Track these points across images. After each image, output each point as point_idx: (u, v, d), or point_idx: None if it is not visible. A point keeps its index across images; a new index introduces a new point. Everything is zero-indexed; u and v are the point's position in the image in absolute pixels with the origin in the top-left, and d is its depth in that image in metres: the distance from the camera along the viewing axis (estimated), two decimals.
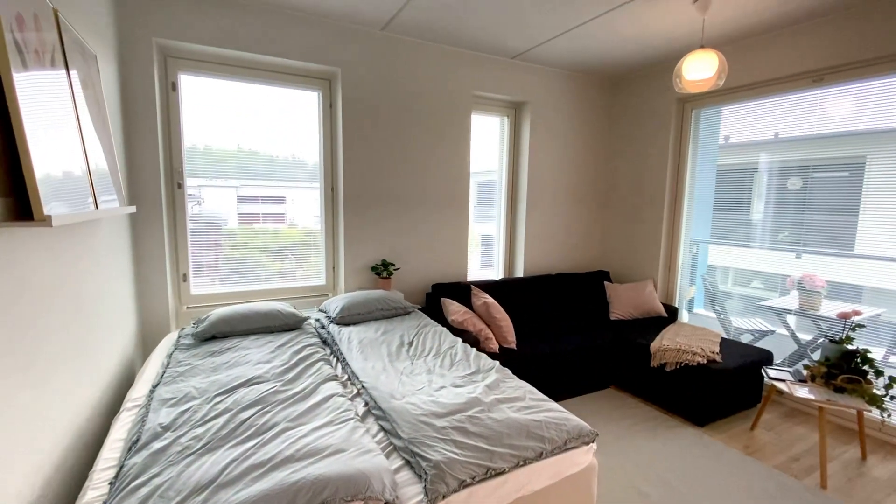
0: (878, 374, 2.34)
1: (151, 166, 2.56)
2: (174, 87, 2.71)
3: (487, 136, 4.03)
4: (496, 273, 4.17)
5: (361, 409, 1.72)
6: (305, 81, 3.10)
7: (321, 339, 2.52)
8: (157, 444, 1.37)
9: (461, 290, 3.37)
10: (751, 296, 3.86)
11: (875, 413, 2.29)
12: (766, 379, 2.65)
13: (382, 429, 1.60)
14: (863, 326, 2.57)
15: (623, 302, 3.82)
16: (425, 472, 1.29)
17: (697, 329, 3.41)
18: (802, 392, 2.41)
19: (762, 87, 3.24)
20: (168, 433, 1.44)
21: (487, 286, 3.53)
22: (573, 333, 3.43)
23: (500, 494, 1.34)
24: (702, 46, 2.69)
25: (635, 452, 2.51)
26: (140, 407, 1.66)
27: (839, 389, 2.39)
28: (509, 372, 1.96)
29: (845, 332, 2.54)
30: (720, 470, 2.36)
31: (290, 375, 1.90)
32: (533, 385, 2.96)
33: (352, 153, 3.15)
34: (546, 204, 4.08)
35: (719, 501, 2.11)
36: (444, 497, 1.25)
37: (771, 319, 3.62)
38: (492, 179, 4.13)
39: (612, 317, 3.80)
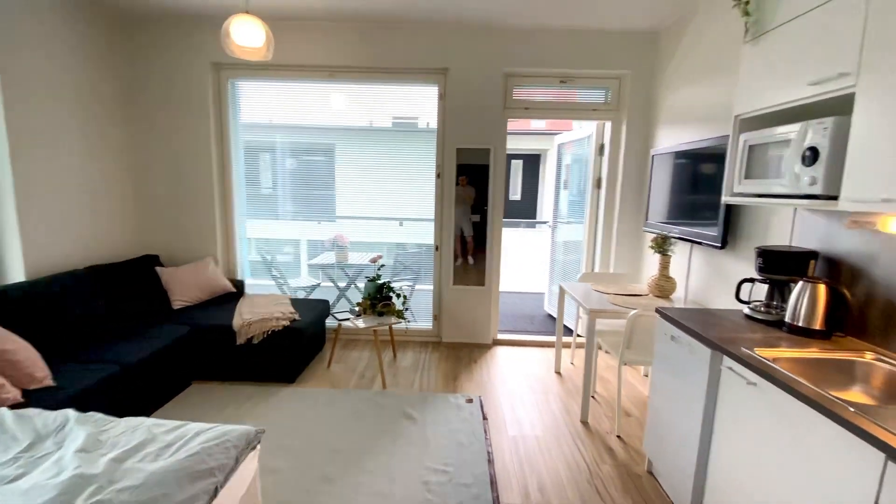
0: (398, 295, 3.36)
1: None
2: None
3: None
4: None
5: None
6: None
7: None
8: None
9: None
10: (292, 260, 4.45)
11: (402, 324, 3.31)
12: (335, 322, 3.21)
13: None
14: (383, 265, 3.59)
15: (185, 286, 3.40)
16: None
17: (268, 297, 3.57)
18: (362, 323, 3.10)
19: (291, 71, 3.62)
20: None
21: None
22: (133, 338, 2.73)
23: None
24: (246, 11, 2.66)
25: None
26: None
27: (381, 314, 3.26)
28: (100, 414, 1.35)
29: (376, 272, 3.45)
30: (321, 411, 2.70)
31: None
32: None
33: None
34: (51, 173, 2.88)
35: (334, 435, 2.43)
36: None
37: (315, 274, 4.32)
38: None
39: (176, 305, 3.31)
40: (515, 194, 16.47)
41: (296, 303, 3.52)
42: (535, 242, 11.96)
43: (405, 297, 3.37)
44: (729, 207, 2.42)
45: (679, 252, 3.02)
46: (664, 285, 2.89)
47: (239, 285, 3.77)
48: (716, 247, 2.48)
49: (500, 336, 4.04)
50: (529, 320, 4.77)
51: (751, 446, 1.45)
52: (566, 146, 4.65)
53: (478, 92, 3.57)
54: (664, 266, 2.91)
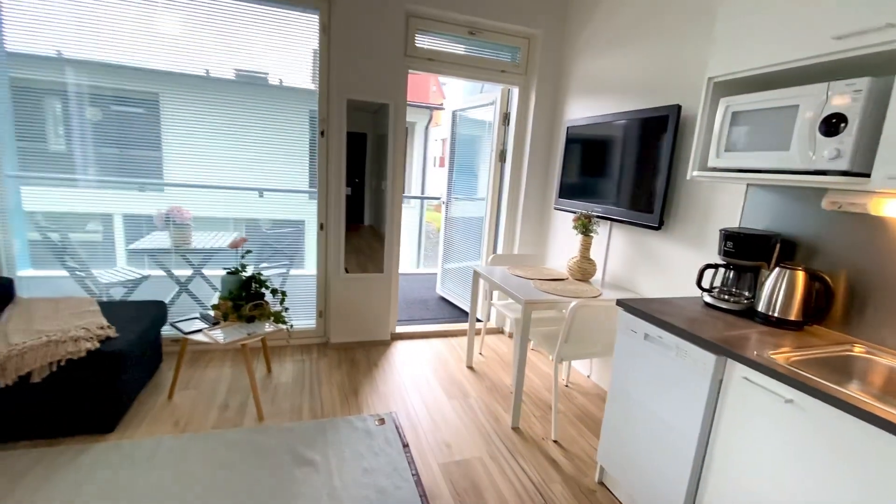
0: (274, 292, 2.52)
1: None
2: None
3: None
4: None
5: None
6: None
7: None
8: None
9: None
10: (102, 240, 3.13)
11: (283, 329, 2.48)
12: (179, 332, 2.23)
13: None
14: (250, 252, 2.67)
15: None
16: None
17: (60, 302, 2.37)
18: (223, 336, 2.21)
19: None
20: None
21: None
22: None
23: None
24: None
25: None
26: None
27: (250, 319, 2.39)
28: None
29: (239, 261, 2.52)
30: (164, 474, 1.80)
31: None
32: None
33: None
34: None
35: None
36: None
37: (139, 263, 3.11)
38: None
39: None
40: None
41: (110, 308, 2.41)
42: (404, 219, 11.54)
43: (283, 293, 2.55)
44: (667, 185, 2.25)
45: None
46: (586, 268, 2.68)
47: (4, 286, 2.43)
48: (652, 228, 2.30)
49: (399, 329, 3.48)
50: (423, 306, 4.31)
51: (782, 473, 1.21)
52: (463, 114, 4.20)
53: (374, 30, 2.83)
54: (586, 247, 2.69)
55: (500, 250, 3.64)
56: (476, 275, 2.91)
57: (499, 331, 3.71)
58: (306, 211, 3.24)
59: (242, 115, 2.87)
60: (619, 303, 1.79)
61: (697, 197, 2.14)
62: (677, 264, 2.24)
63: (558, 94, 3.28)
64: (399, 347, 3.25)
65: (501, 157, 3.58)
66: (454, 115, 4.31)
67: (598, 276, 2.84)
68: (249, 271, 2.49)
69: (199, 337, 2.17)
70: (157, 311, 2.52)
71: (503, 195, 3.59)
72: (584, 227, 2.63)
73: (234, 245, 2.48)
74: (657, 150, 2.27)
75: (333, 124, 2.90)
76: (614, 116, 2.59)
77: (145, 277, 3.07)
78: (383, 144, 3.15)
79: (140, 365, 2.34)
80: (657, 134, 2.27)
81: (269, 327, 2.35)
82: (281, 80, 2.91)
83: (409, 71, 3.06)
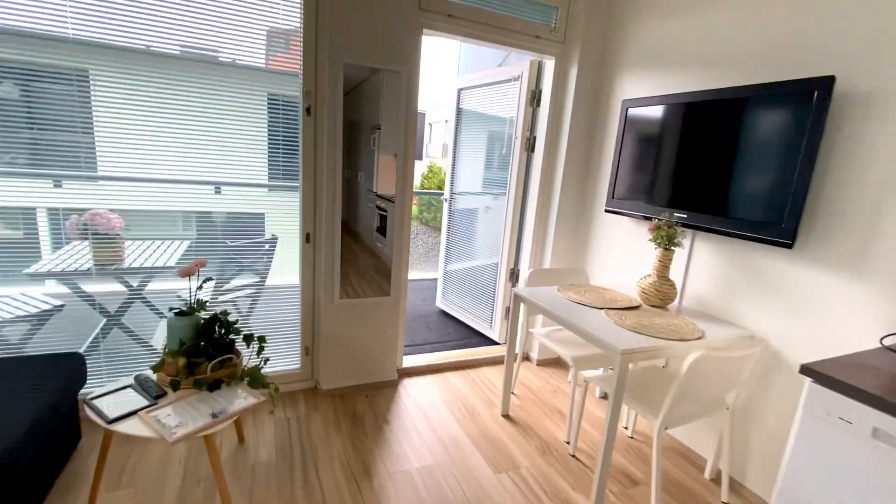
0: (248, 339, 1.74)
1: None
2: None
3: None
4: None
5: None
6: None
7: None
8: None
9: None
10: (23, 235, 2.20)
11: (262, 396, 1.70)
12: (130, 420, 1.42)
13: None
14: (211, 279, 1.86)
15: None
16: None
17: None
18: (173, 422, 1.42)
19: None
20: None
21: None
22: None
23: None
24: None
25: None
26: None
27: (213, 385, 1.61)
28: None
29: (195, 296, 1.72)
30: None
31: None
32: None
33: None
34: None
35: None
36: None
37: (49, 287, 2.23)
38: None
39: None
40: None
41: None
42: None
43: (262, 339, 1.77)
44: (805, 189, 1.65)
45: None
46: (666, 291, 2.07)
47: None
48: (777, 244, 1.71)
49: (406, 362, 2.77)
50: (424, 324, 3.60)
51: None
52: (471, 93, 3.48)
53: None
54: (665, 265, 2.08)
55: (524, 259, 2.99)
56: (517, 299, 2.24)
57: (523, 356, 3.08)
58: (266, 206, 2.47)
59: (189, 97, 2.03)
60: (807, 371, 1.18)
61: (854, 206, 1.55)
62: (819, 296, 1.66)
63: (607, 67, 2.63)
64: (409, 389, 2.54)
65: (528, 145, 2.90)
66: (460, 94, 3.58)
67: (674, 300, 2.24)
68: (208, 295, 1.70)
69: (132, 428, 1.38)
70: (67, 370, 1.68)
71: (529, 192, 2.93)
72: (668, 238, 2.01)
73: (187, 273, 1.67)
74: (789, 138, 1.67)
75: (324, 98, 2.11)
76: (705, 94, 1.97)
77: (58, 308, 2.19)
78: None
79: (40, 462, 1.52)
80: (788, 117, 1.67)
81: (243, 396, 1.58)
82: (234, 59, 2.07)
83: (425, 31, 2.32)
